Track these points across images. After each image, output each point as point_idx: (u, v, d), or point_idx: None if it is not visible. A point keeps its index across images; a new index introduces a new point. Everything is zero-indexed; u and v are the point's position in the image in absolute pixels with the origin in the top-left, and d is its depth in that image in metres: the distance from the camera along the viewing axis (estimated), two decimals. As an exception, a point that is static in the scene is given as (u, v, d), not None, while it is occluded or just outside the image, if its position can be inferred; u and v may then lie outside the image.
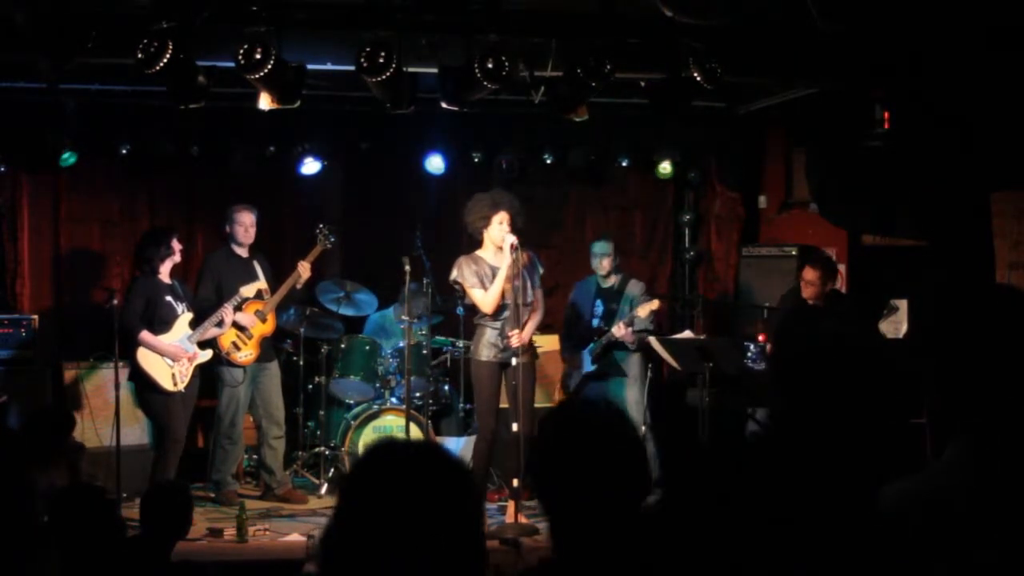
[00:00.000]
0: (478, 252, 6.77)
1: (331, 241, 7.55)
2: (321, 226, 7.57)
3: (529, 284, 6.76)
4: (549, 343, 7.91)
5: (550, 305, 7.57)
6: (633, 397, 7.33)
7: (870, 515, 1.90)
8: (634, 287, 7.52)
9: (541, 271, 6.95)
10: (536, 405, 7.03)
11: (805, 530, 1.88)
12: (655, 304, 7.23)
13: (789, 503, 1.90)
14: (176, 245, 7.12)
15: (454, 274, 6.73)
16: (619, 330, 7.20)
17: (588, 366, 7.40)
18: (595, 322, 7.48)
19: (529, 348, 6.81)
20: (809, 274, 7.26)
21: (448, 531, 1.66)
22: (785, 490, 1.91)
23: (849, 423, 1.95)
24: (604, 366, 7.39)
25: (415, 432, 7.25)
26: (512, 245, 6.52)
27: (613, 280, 7.54)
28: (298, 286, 7.46)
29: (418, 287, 7.44)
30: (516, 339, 6.56)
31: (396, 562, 1.62)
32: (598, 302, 7.51)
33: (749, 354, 7.18)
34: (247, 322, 7.30)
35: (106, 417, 7.31)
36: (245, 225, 7.42)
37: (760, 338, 7.59)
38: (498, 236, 6.62)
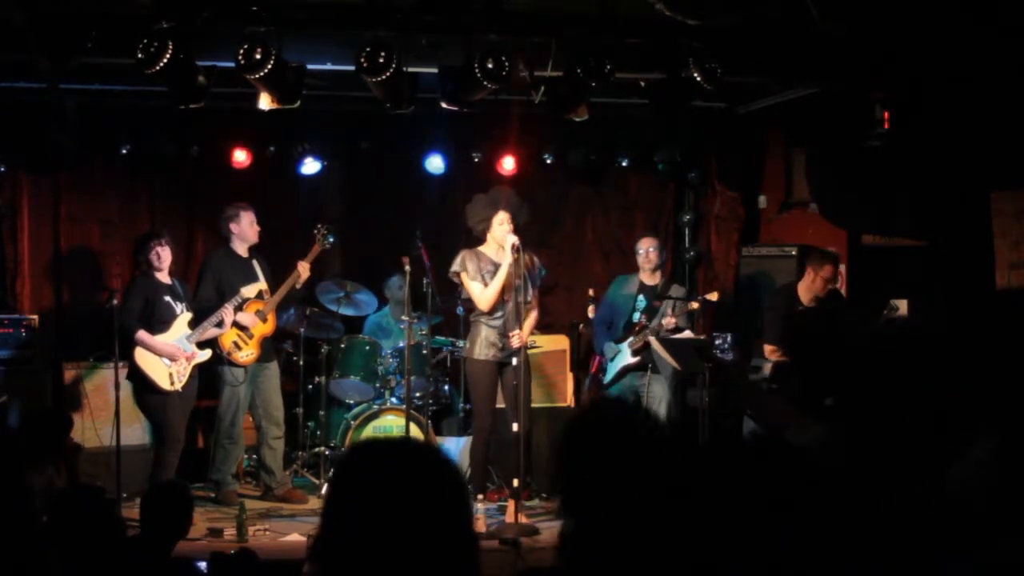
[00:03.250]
0: (480, 248, 6.79)
1: (329, 241, 7.55)
2: (319, 226, 7.56)
3: (530, 284, 6.77)
4: (549, 343, 7.91)
5: (550, 304, 7.58)
6: (661, 392, 7.34)
7: (927, 501, 1.90)
8: (677, 291, 7.54)
9: (543, 273, 6.99)
10: (534, 405, 7.04)
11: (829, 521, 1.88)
12: (714, 295, 7.36)
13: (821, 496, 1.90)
14: (159, 252, 7.05)
15: (455, 265, 6.75)
16: (669, 321, 7.20)
17: (627, 358, 7.40)
18: (636, 316, 7.47)
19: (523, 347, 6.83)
20: (829, 271, 7.29)
21: (436, 526, 1.65)
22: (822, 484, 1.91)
23: (885, 415, 1.95)
24: (644, 357, 7.39)
25: (415, 432, 7.24)
26: (514, 245, 6.53)
27: (658, 280, 7.54)
28: (297, 286, 7.46)
29: (401, 281, 7.44)
30: (517, 339, 6.56)
31: (386, 560, 1.62)
32: (641, 297, 7.49)
33: (718, 342, 7.24)
34: (248, 322, 7.30)
35: (106, 417, 7.30)
36: (255, 223, 7.43)
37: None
38: (500, 236, 6.63)
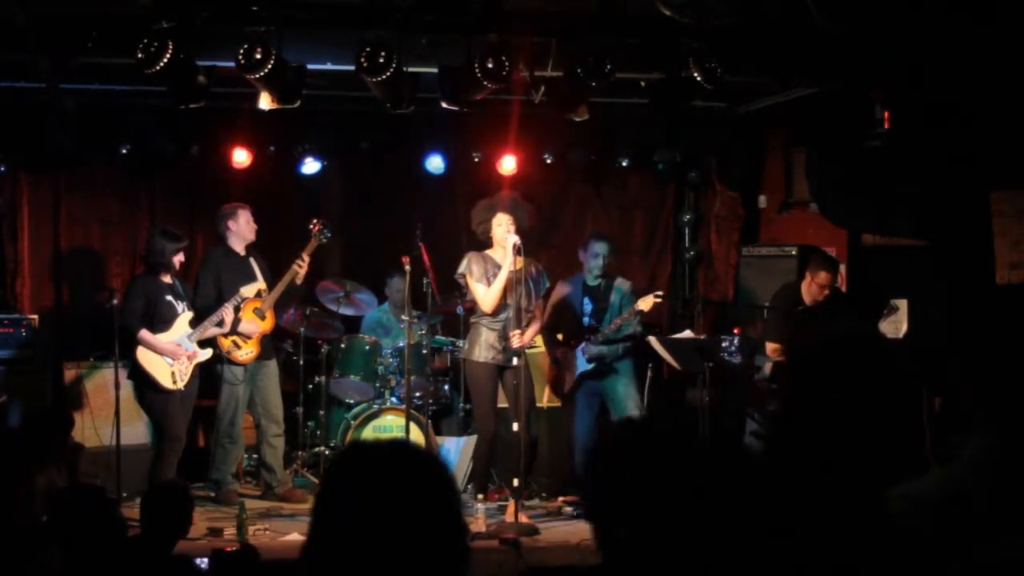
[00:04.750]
0: (487, 251, 6.80)
1: (327, 236, 7.51)
2: (315, 220, 7.53)
3: (533, 293, 6.78)
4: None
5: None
6: (628, 395, 7.28)
7: (878, 517, 1.89)
8: (622, 284, 7.43)
9: (547, 285, 6.99)
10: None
11: (811, 533, 1.88)
12: (648, 303, 7.11)
13: (795, 505, 1.90)
14: (177, 258, 7.11)
15: (462, 267, 6.75)
16: (615, 325, 7.13)
17: (584, 365, 7.36)
18: (585, 320, 7.38)
19: (524, 354, 6.81)
20: (824, 278, 7.23)
21: (426, 529, 1.65)
22: (790, 492, 1.91)
23: (862, 421, 1.95)
24: (599, 364, 7.35)
25: (415, 432, 7.24)
26: (515, 245, 6.53)
27: (600, 279, 7.46)
28: (297, 281, 7.44)
29: (400, 284, 7.43)
30: (517, 339, 6.56)
31: (375, 563, 1.62)
32: (586, 300, 7.37)
33: (724, 345, 7.19)
34: (250, 330, 7.30)
35: (106, 416, 7.30)
36: (252, 221, 7.43)
37: (734, 331, 7.62)
38: (500, 237, 6.64)
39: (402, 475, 1.69)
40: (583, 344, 7.30)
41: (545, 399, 7.69)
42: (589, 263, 7.34)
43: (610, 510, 1.90)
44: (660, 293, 7.24)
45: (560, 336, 7.45)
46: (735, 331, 7.59)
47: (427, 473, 1.71)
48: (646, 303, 7.08)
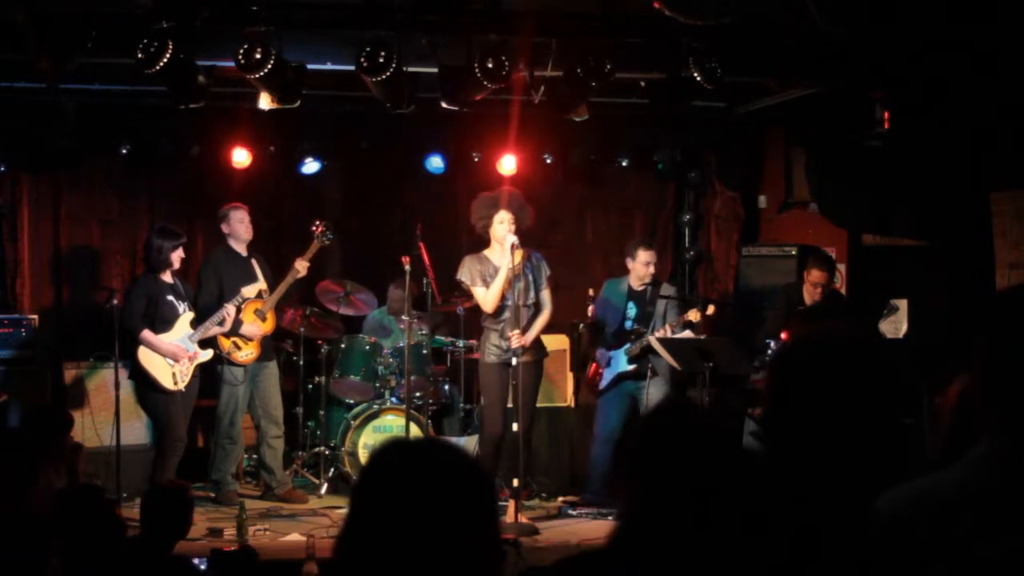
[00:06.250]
0: (485, 252, 6.79)
1: (328, 238, 7.52)
2: (317, 223, 7.53)
3: (533, 286, 6.76)
4: (549, 343, 7.87)
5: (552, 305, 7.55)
6: (660, 396, 7.30)
7: (868, 518, 1.89)
8: (667, 289, 7.50)
9: (548, 273, 6.94)
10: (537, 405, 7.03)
11: (805, 535, 1.88)
12: (710, 309, 7.16)
13: (788, 507, 1.89)
14: (179, 255, 7.09)
15: (460, 273, 6.76)
16: (664, 333, 7.13)
17: (623, 365, 7.37)
18: (628, 324, 7.43)
19: (536, 348, 6.79)
20: (818, 276, 7.26)
21: (466, 529, 1.65)
22: (783, 494, 1.90)
23: (852, 422, 1.95)
24: (640, 366, 7.36)
25: (415, 432, 7.24)
26: (512, 244, 6.52)
27: (646, 284, 7.47)
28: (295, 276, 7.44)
29: (398, 291, 7.44)
30: (516, 339, 6.56)
31: (413, 562, 1.61)
32: (631, 304, 7.44)
33: (771, 351, 7.18)
34: (252, 332, 7.29)
35: (106, 416, 7.30)
36: (245, 221, 7.43)
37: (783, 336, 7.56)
38: (500, 235, 6.63)
39: (444, 473, 1.67)
40: (626, 345, 7.32)
41: (568, 398, 7.74)
42: (639, 271, 7.40)
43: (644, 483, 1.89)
44: (711, 310, 7.20)
45: (603, 337, 7.48)
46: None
47: (469, 475, 1.70)
48: (695, 315, 7.09)
